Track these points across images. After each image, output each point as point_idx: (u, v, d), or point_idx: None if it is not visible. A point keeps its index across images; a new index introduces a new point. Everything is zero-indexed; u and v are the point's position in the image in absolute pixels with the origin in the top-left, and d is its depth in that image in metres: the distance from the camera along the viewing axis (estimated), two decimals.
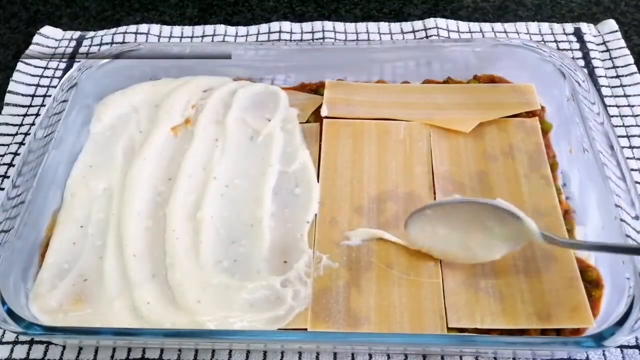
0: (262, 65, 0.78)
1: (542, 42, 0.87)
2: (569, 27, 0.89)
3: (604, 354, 0.58)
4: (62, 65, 0.90)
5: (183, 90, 0.75)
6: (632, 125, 0.76)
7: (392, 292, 0.57)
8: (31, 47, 0.92)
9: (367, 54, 0.77)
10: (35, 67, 0.89)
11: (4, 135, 0.81)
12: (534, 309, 0.55)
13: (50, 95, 0.83)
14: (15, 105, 0.84)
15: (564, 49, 0.86)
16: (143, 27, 0.93)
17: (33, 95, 0.86)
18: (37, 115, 0.83)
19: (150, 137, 0.71)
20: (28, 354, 0.60)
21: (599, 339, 0.49)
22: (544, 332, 0.54)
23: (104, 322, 0.56)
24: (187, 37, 0.93)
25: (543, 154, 0.67)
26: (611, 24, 0.89)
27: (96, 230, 0.63)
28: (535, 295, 0.56)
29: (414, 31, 0.91)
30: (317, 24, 0.92)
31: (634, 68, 0.82)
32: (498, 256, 0.56)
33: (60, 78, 0.87)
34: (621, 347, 0.58)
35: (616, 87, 0.81)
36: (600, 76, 0.82)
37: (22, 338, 0.61)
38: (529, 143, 0.69)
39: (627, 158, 0.71)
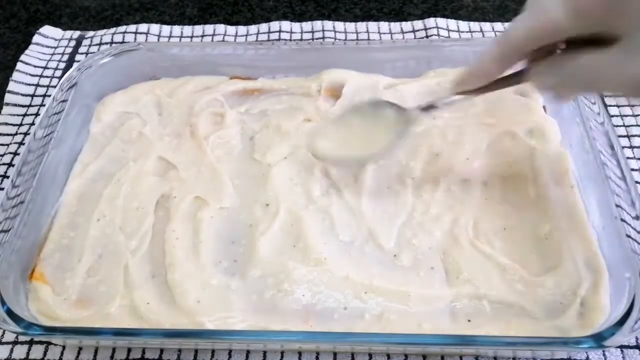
0: (262, 65, 0.78)
1: None
2: None
3: (604, 354, 0.58)
4: (62, 65, 0.90)
5: (185, 94, 0.76)
6: (633, 125, 0.76)
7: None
8: (31, 46, 0.92)
9: (367, 54, 0.77)
10: (35, 66, 0.89)
11: (4, 135, 0.80)
12: None
13: (49, 95, 0.83)
14: (15, 105, 0.84)
15: None
16: (143, 27, 0.93)
17: (33, 95, 0.86)
18: (37, 115, 0.83)
19: (151, 138, 0.71)
20: (28, 354, 0.60)
21: (599, 339, 0.49)
22: None
23: (104, 322, 0.56)
24: (187, 36, 0.93)
25: None
26: None
27: (96, 231, 0.63)
28: None
29: (414, 31, 0.91)
30: (317, 24, 0.92)
31: None
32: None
33: (60, 78, 0.87)
34: (621, 347, 0.58)
35: None
36: None
37: (21, 338, 0.61)
38: None
39: (628, 158, 0.71)
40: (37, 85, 0.87)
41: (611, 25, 0.41)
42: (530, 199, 0.63)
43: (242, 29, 0.93)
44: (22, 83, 0.86)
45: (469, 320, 0.55)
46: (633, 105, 0.78)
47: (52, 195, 0.66)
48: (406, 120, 0.61)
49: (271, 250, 0.60)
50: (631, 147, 0.74)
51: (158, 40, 0.92)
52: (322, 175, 0.67)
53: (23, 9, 1.03)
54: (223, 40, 0.92)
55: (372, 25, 0.92)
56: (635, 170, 0.72)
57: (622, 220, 0.56)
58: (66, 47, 0.93)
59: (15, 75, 0.87)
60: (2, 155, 0.78)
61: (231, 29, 0.93)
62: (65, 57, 0.91)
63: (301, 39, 0.91)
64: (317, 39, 0.90)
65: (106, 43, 0.92)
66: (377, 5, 0.99)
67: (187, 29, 0.94)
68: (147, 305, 0.57)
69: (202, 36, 0.93)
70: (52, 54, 0.92)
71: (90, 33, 0.95)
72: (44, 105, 0.82)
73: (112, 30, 0.94)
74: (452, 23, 0.91)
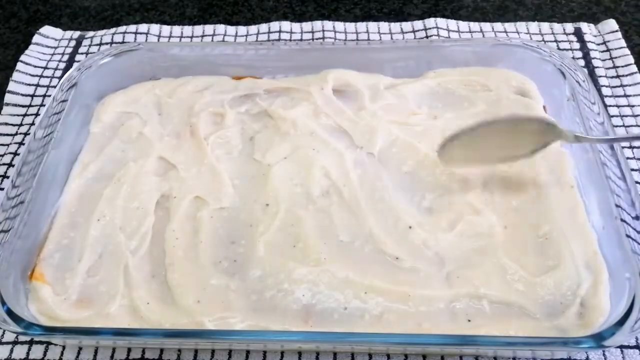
0: (262, 65, 0.78)
1: (543, 42, 0.87)
2: (569, 27, 0.89)
3: (604, 354, 0.58)
4: (62, 65, 0.90)
5: (185, 94, 0.76)
6: (632, 125, 0.76)
7: None
8: (31, 47, 0.92)
9: (367, 54, 0.77)
10: (35, 67, 0.89)
11: (4, 135, 0.80)
12: None
13: (49, 95, 0.83)
14: (15, 105, 0.84)
15: (564, 49, 0.86)
16: (143, 27, 0.93)
17: (33, 95, 0.86)
18: (37, 115, 0.83)
19: (151, 138, 0.71)
20: (28, 354, 0.60)
21: (599, 339, 0.49)
22: None
23: (104, 322, 0.56)
24: (187, 36, 0.93)
25: None
26: (611, 23, 0.89)
27: (96, 231, 0.63)
28: None
29: (414, 31, 0.91)
30: (317, 24, 0.92)
31: (634, 68, 0.82)
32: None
33: (60, 78, 0.87)
34: (621, 347, 0.58)
35: (616, 87, 0.81)
36: (600, 76, 0.82)
37: (21, 338, 0.61)
38: None
39: (627, 158, 0.71)
40: (37, 85, 0.87)
41: None
42: (530, 199, 0.63)
43: (242, 29, 0.93)
44: (22, 83, 0.87)
45: (469, 320, 0.55)
46: (633, 105, 0.78)
47: (52, 195, 0.66)
48: (550, 134, 0.62)
49: (271, 250, 0.60)
50: (631, 147, 0.74)
51: (158, 40, 0.92)
52: (322, 175, 0.67)
53: (23, 9, 1.03)
54: (223, 41, 0.92)
55: (372, 25, 0.92)
56: (635, 170, 0.72)
57: (622, 220, 0.56)
58: (66, 47, 0.93)
59: (15, 76, 0.87)
60: (2, 155, 0.78)
61: (231, 29, 0.93)
62: (65, 57, 0.91)
63: (301, 39, 0.91)
64: (317, 39, 0.90)
65: (106, 43, 0.92)
66: (377, 5, 0.99)
67: (187, 29, 0.94)
68: (147, 305, 0.57)
69: (202, 36, 0.93)
70: (52, 54, 0.92)
71: (90, 33, 0.95)
72: (44, 106, 0.82)
73: (112, 30, 0.94)
74: (452, 23, 0.91)
